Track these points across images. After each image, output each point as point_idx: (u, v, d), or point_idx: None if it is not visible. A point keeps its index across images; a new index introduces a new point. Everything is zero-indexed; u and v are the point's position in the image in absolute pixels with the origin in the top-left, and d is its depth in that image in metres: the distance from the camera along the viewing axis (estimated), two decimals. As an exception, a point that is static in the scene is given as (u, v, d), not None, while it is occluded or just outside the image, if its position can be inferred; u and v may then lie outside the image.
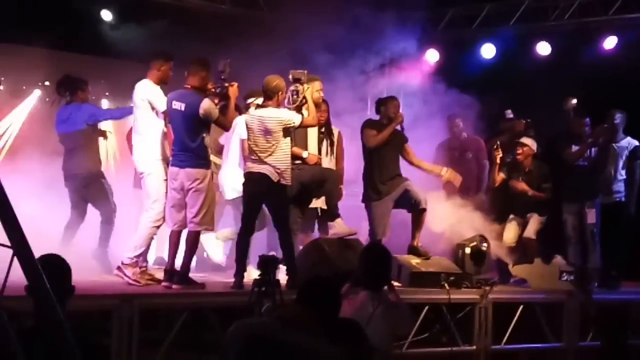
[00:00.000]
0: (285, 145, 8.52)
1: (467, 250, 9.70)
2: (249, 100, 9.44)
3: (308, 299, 4.42)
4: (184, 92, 8.19)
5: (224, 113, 8.39)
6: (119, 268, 8.23)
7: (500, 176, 10.41)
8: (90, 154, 9.45)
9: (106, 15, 11.91)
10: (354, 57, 12.29)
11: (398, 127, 9.73)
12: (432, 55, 13.23)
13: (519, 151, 10.40)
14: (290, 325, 4.20)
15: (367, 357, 4.69)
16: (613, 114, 10.78)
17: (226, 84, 8.34)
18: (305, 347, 4.15)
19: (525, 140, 10.45)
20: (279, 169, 8.42)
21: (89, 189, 9.33)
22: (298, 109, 8.80)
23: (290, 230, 8.66)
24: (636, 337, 8.19)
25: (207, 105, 8.08)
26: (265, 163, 8.41)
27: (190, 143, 8.10)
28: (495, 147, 10.53)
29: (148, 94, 8.30)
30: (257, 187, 8.48)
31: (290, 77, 8.88)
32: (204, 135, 8.14)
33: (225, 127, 8.57)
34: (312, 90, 8.93)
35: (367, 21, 13.20)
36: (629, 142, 10.87)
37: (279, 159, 8.44)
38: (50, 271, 3.95)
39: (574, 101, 10.65)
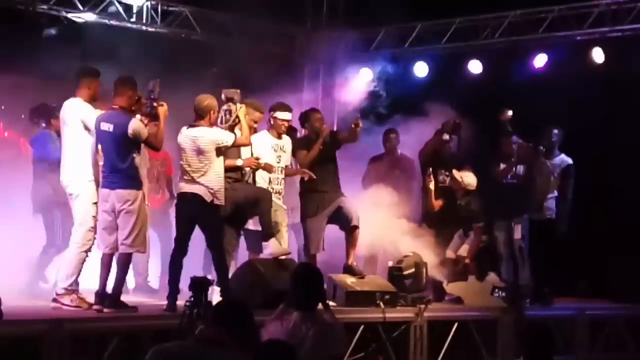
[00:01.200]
0: (218, 165, 8.46)
1: (403, 269, 9.71)
2: (271, 113, 9.43)
3: (223, 320, 4.38)
4: (112, 113, 8.08)
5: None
6: (54, 300, 8.06)
7: (438, 203, 10.59)
8: None
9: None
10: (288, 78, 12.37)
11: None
12: (366, 75, 13.26)
13: (455, 187, 10.64)
14: (208, 345, 4.18)
15: None
16: (550, 131, 10.89)
17: (155, 104, 8.20)
18: None
19: (456, 174, 10.59)
20: (212, 189, 8.37)
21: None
22: (231, 128, 8.75)
23: (224, 251, 8.59)
24: (565, 353, 8.25)
25: (135, 125, 7.98)
26: (198, 183, 8.35)
27: (120, 164, 7.99)
28: (428, 174, 10.66)
29: (81, 113, 8.15)
30: (190, 207, 8.41)
31: (223, 96, 8.83)
32: (134, 155, 8.03)
33: (156, 147, 8.44)
34: (245, 111, 8.88)
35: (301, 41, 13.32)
36: (562, 159, 10.99)
37: (212, 178, 8.39)
38: None
39: (510, 113, 10.72)
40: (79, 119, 8.14)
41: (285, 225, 9.59)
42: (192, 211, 8.43)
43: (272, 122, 9.55)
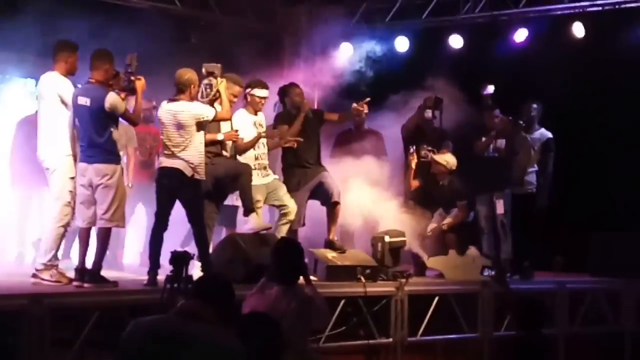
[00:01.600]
0: (198, 140, 8.44)
1: (384, 242, 9.72)
2: (248, 91, 9.35)
3: (204, 294, 4.38)
4: (89, 87, 8.03)
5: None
6: (34, 275, 8.02)
7: (415, 183, 10.58)
8: None
9: None
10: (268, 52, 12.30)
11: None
12: (347, 49, 13.21)
13: (435, 169, 10.63)
14: (189, 318, 4.18)
15: (276, 350, 4.63)
16: (529, 105, 10.93)
17: (133, 78, 8.14)
18: (205, 338, 4.14)
19: (438, 157, 10.55)
20: (192, 163, 8.35)
21: None
22: (211, 103, 8.71)
23: (204, 225, 8.58)
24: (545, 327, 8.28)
25: (112, 98, 7.92)
26: (179, 158, 8.32)
27: (97, 138, 7.95)
28: (411, 152, 10.64)
29: (58, 87, 8.08)
30: (170, 181, 8.40)
31: (204, 70, 8.79)
32: (112, 129, 7.98)
33: (134, 121, 8.40)
34: (225, 85, 8.83)
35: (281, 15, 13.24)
36: (542, 133, 11.03)
37: (192, 153, 8.37)
38: None
39: (491, 87, 10.74)
40: (56, 93, 8.06)
41: (286, 191, 9.50)
42: (172, 186, 8.41)
43: (248, 99, 9.48)
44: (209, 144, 8.72)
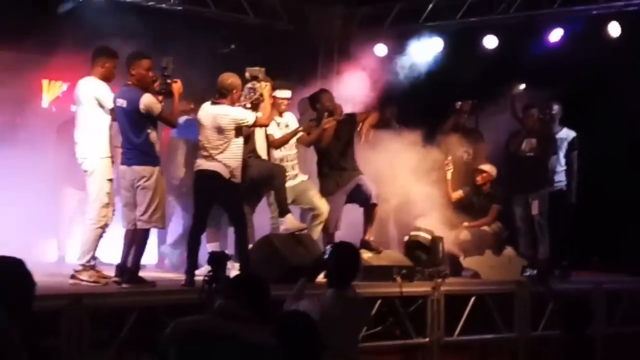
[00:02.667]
0: (237, 143, 8.48)
1: (419, 243, 9.73)
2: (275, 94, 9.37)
3: (240, 294, 4.40)
4: (126, 89, 8.12)
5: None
6: (73, 276, 8.11)
7: (456, 194, 10.65)
8: None
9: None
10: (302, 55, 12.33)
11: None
12: (380, 50, 13.21)
13: (478, 177, 10.84)
14: (227, 318, 4.21)
15: (315, 350, 4.65)
16: (551, 106, 10.92)
17: (169, 81, 8.19)
18: (242, 337, 4.18)
19: (484, 166, 10.74)
20: (230, 166, 8.39)
21: None
22: (254, 107, 8.75)
23: (246, 225, 8.62)
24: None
25: (147, 100, 7.98)
26: (216, 160, 8.36)
27: (135, 139, 8.03)
28: (446, 162, 10.70)
29: (95, 91, 8.17)
30: (208, 184, 8.44)
31: (247, 74, 8.84)
32: (149, 131, 8.04)
33: (171, 123, 8.46)
34: (269, 90, 8.88)
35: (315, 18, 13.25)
36: (567, 133, 11.06)
37: (230, 156, 8.42)
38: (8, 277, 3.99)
39: (522, 86, 10.75)
40: (93, 97, 8.15)
41: (316, 191, 9.56)
42: (210, 188, 8.45)
43: (271, 102, 9.52)
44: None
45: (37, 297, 6.69)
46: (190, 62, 9.61)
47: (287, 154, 9.54)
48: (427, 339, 9.16)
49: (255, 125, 8.66)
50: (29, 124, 10.80)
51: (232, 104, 8.50)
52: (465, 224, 10.82)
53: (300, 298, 6.23)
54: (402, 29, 13.28)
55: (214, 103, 8.53)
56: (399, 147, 10.42)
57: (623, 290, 10.77)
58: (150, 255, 10.21)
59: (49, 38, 10.71)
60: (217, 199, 8.56)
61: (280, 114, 9.54)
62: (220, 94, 8.50)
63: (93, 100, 8.15)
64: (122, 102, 8.04)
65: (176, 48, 9.57)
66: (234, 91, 8.50)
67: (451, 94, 11.41)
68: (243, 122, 8.46)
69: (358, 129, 9.89)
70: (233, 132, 8.41)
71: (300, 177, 9.58)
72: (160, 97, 8.21)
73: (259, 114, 8.68)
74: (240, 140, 8.54)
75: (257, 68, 8.89)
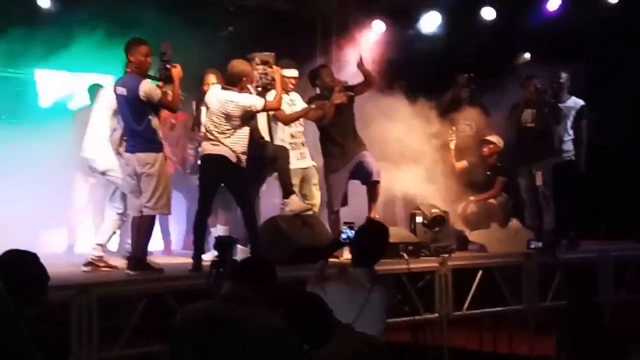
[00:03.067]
0: (243, 129, 8.46)
1: (424, 218, 9.72)
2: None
3: (247, 276, 4.41)
4: (126, 77, 8.11)
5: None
6: (90, 263, 8.26)
7: (460, 164, 10.64)
8: None
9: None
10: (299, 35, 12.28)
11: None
12: (379, 26, 13.17)
13: (485, 149, 10.90)
14: (235, 302, 4.21)
15: (327, 331, 4.65)
16: (558, 74, 10.85)
17: (168, 66, 8.13)
18: (252, 320, 4.18)
19: (491, 137, 10.74)
20: (236, 151, 8.37)
21: None
22: (264, 91, 8.73)
23: (253, 208, 8.64)
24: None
25: (146, 86, 7.96)
26: (223, 144, 8.35)
27: (136, 127, 8.02)
28: (450, 132, 10.68)
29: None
30: (214, 168, 8.40)
31: (257, 59, 8.81)
32: (150, 117, 8.02)
33: (172, 108, 8.40)
34: (280, 74, 8.91)
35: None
36: (574, 102, 10.96)
37: (237, 141, 8.39)
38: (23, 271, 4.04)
39: (527, 56, 10.71)
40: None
41: (316, 181, 9.58)
42: (217, 172, 8.44)
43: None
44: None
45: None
46: (189, 45, 9.57)
47: (297, 130, 9.54)
48: (436, 315, 9.15)
49: (265, 109, 8.66)
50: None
51: (241, 90, 8.46)
52: (472, 198, 10.84)
53: (323, 279, 6.22)
54: (400, 4, 13.21)
55: (223, 88, 8.51)
56: (404, 121, 10.41)
57: (631, 258, 10.76)
58: (156, 242, 10.30)
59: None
60: (225, 183, 8.54)
61: (287, 92, 9.53)
62: (229, 81, 8.48)
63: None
64: (122, 91, 8.03)
65: (174, 31, 9.53)
66: (244, 79, 8.48)
67: (452, 68, 11.34)
68: (252, 109, 8.45)
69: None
70: (240, 118, 8.39)
71: (309, 161, 9.57)
72: (160, 83, 8.19)
73: (269, 98, 8.66)
74: (248, 125, 8.53)
75: (267, 53, 8.87)
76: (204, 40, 10.81)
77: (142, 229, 8.16)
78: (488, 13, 12.63)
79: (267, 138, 9.36)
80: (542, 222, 10.58)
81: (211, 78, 9.41)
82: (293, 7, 13.34)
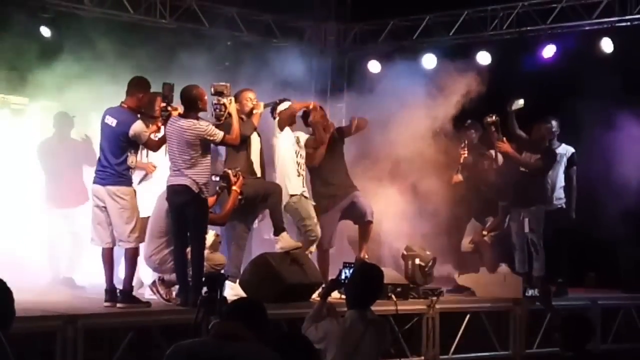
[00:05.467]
0: (205, 159, 8.26)
1: (416, 261, 9.73)
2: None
3: (237, 314, 4.37)
4: (119, 109, 8.15)
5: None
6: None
7: (458, 177, 10.58)
8: None
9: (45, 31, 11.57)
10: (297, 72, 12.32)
11: None
12: (374, 66, 13.24)
13: (484, 161, 10.66)
14: (227, 339, 4.17)
15: None
16: (548, 121, 10.81)
17: (169, 108, 8.22)
18: (244, 356, 4.13)
19: (492, 151, 10.60)
20: (198, 182, 8.16)
21: None
22: (220, 123, 8.58)
23: (203, 244, 8.33)
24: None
25: (138, 127, 8.04)
26: (185, 175, 8.15)
27: (113, 159, 8.06)
28: (462, 146, 10.64)
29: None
30: (178, 198, 8.20)
31: (212, 90, 8.64)
32: (128, 154, 8.08)
33: (153, 149, 8.53)
34: (243, 100, 8.93)
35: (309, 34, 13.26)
36: (565, 149, 10.94)
37: (199, 172, 8.18)
38: None
39: (521, 102, 10.66)
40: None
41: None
42: (180, 202, 8.20)
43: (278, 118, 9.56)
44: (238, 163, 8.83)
45: (30, 318, 6.73)
46: (188, 79, 9.58)
47: (300, 160, 9.55)
48: (422, 358, 9.13)
49: (223, 142, 8.45)
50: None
51: (198, 117, 8.26)
52: (484, 232, 10.70)
53: (319, 319, 6.19)
54: (396, 45, 13.31)
55: (180, 116, 8.26)
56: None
57: (618, 307, 10.76)
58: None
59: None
60: (187, 213, 8.25)
61: (290, 125, 9.55)
62: (186, 107, 8.24)
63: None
64: (111, 121, 8.09)
65: (173, 64, 9.57)
66: (199, 102, 8.25)
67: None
68: (210, 138, 8.23)
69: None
70: (199, 147, 8.18)
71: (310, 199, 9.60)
72: (159, 123, 8.28)
73: (229, 133, 8.43)
74: (208, 156, 8.33)
75: (222, 83, 8.72)
76: (202, 74, 10.78)
77: (132, 260, 8.15)
78: (483, 58, 12.66)
79: (258, 174, 9.33)
80: (531, 268, 10.54)
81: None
82: (290, 44, 13.37)
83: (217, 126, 8.39)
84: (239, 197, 8.65)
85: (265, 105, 9.33)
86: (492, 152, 10.74)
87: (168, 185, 8.36)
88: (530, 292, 9.90)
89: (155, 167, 9.24)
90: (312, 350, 4.74)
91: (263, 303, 4.63)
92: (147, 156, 9.09)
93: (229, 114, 8.60)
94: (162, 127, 8.30)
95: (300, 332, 5.92)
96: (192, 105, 8.20)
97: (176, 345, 4.34)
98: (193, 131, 8.14)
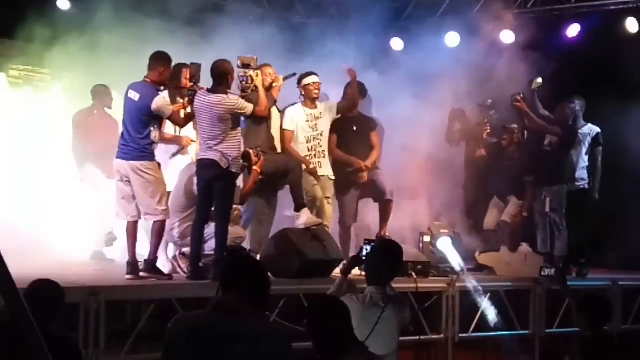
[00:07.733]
0: (236, 132, 8.31)
1: (435, 239, 9.72)
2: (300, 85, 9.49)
3: (234, 285, 4.24)
4: (142, 84, 8.15)
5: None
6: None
7: (481, 152, 10.55)
8: None
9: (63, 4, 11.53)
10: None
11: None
12: (397, 44, 13.19)
13: (505, 136, 10.50)
14: (227, 313, 4.09)
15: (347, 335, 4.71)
16: (572, 101, 10.74)
17: (196, 88, 8.26)
18: (248, 330, 4.07)
19: (513, 125, 10.55)
20: (230, 156, 8.19)
21: None
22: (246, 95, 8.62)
23: (228, 219, 8.38)
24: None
25: (160, 101, 8.05)
26: (215, 150, 8.18)
27: (136, 135, 8.06)
28: (486, 120, 10.61)
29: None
30: (206, 173, 8.24)
31: (239, 62, 8.70)
32: (151, 129, 8.08)
33: (179, 124, 8.57)
34: (263, 76, 8.87)
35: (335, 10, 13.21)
36: (590, 128, 10.85)
37: (229, 146, 8.21)
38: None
39: (539, 80, 10.60)
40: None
41: (330, 195, 9.57)
42: (208, 177, 8.23)
43: (303, 93, 9.53)
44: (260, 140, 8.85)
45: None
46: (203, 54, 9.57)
47: (312, 135, 9.56)
48: (441, 336, 9.15)
49: (253, 115, 8.50)
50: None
51: (226, 92, 8.29)
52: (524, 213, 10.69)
53: (340, 295, 6.20)
54: (419, 23, 13.24)
55: (209, 91, 8.29)
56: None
57: (639, 288, 10.72)
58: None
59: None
60: (214, 187, 8.26)
61: (314, 104, 9.52)
62: (215, 82, 8.26)
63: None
64: (134, 95, 8.09)
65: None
66: (229, 77, 8.29)
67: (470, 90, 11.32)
68: (240, 112, 8.30)
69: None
70: (230, 121, 8.22)
71: (325, 170, 9.58)
72: (185, 101, 8.31)
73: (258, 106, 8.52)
74: (239, 129, 8.40)
75: (249, 56, 8.77)
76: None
77: (159, 232, 8.18)
78: (507, 36, 12.55)
79: (279, 149, 9.34)
80: (553, 248, 10.50)
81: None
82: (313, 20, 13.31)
83: (242, 98, 8.43)
84: (260, 177, 8.66)
85: (285, 78, 9.30)
86: (515, 126, 10.69)
87: (197, 160, 8.42)
88: (546, 272, 9.86)
89: (192, 141, 9.19)
90: (345, 312, 4.80)
91: (261, 265, 4.53)
92: (179, 132, 9.11)
93: (255, 87, 8.64)
94: (189, 107, 8.32)
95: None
96: (222, 79, 8.25)
97: (177, 316, 4.30)
98: (223, 106, 8.17)
